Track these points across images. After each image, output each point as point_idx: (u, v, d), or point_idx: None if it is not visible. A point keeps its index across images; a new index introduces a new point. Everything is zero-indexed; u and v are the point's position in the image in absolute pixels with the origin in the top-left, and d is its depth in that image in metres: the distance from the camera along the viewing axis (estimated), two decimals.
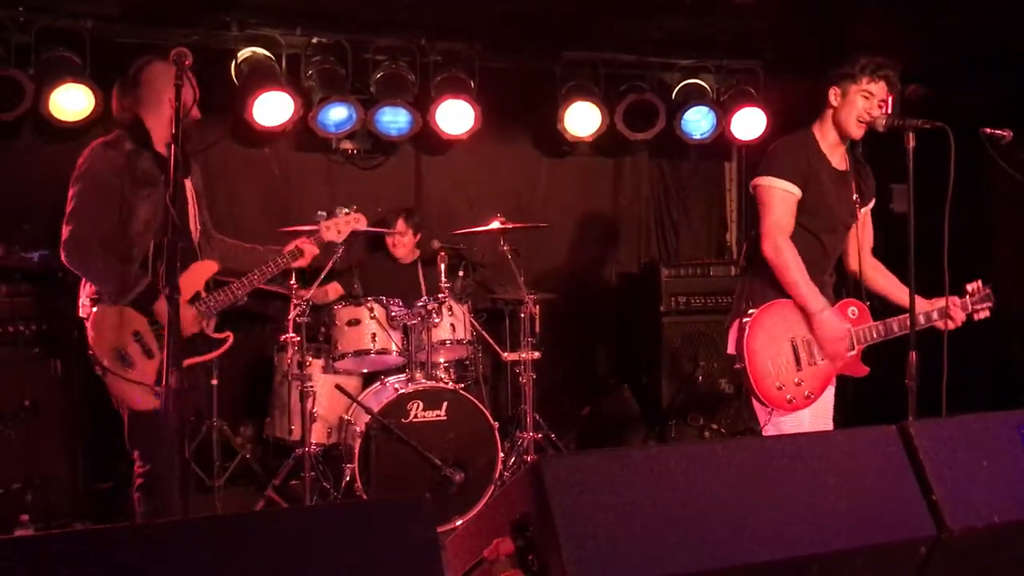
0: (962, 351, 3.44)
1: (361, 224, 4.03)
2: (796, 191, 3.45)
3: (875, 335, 3.50)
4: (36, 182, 5.21)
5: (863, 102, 3.46)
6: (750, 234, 3.63)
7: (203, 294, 3.53)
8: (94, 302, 3.44)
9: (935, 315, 3.53)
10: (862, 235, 3.70)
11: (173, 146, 2.70)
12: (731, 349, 3.55)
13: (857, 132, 3.50)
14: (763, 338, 3.41)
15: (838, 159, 3.60)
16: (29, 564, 1.71)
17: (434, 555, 1.88)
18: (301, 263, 3.83)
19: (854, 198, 3.60)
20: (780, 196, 3.44)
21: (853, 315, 3.52)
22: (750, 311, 3.44)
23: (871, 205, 3.74)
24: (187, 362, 3.26)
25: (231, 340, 3.64)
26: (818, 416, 3.48)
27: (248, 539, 1.86)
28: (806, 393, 3.42)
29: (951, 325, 3.53)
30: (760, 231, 3.46)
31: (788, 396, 3.39)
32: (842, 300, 3.58)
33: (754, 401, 3.48)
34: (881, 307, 3.65)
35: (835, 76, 3.52)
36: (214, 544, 1.83)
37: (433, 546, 1.89)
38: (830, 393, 3.56)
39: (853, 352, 3.49)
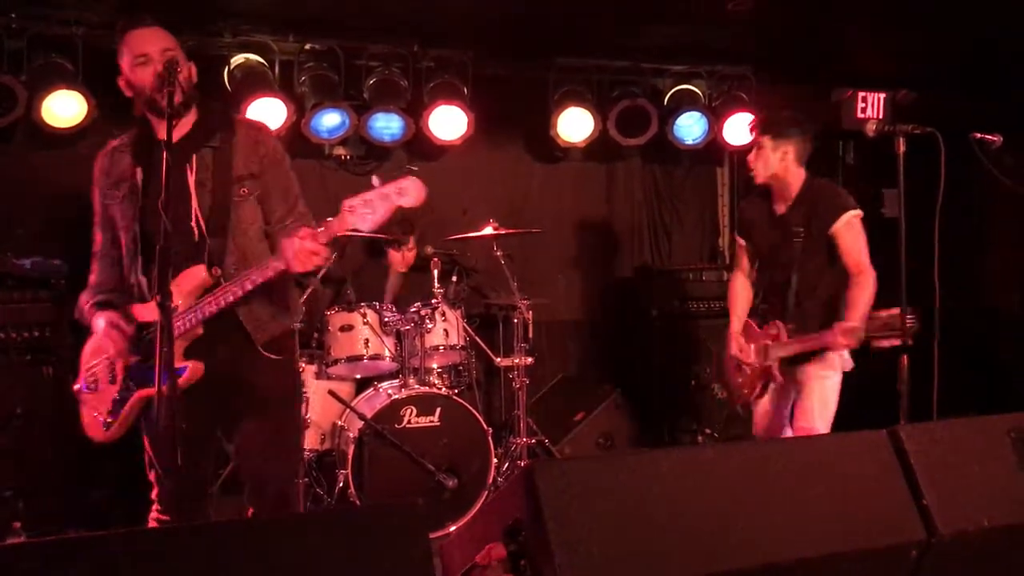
0: (953, 355, 3.46)
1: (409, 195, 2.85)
2: (741, 241, 4.31)
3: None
4: (28, 188, 5.20)
5: (754, 152, 4.02)
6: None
7: (179, 307, 2.83)
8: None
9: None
10: None
11: (165, 152, 2.55)
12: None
13: (756, 179, 4.03)
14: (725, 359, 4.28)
15: None
16: (22, 571, 1.71)
17: (427, 561, 1.88)
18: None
19: None
20: (735, 242, 4.40)
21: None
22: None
23: None
24: (141, 393, 2.88)
25: (195, 371, 2.85)
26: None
27: (242, 546, 1.86)
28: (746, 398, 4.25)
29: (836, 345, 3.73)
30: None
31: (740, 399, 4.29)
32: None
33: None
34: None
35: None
36: (208, 551, 1.83)
37: (426, 552, 1.89)
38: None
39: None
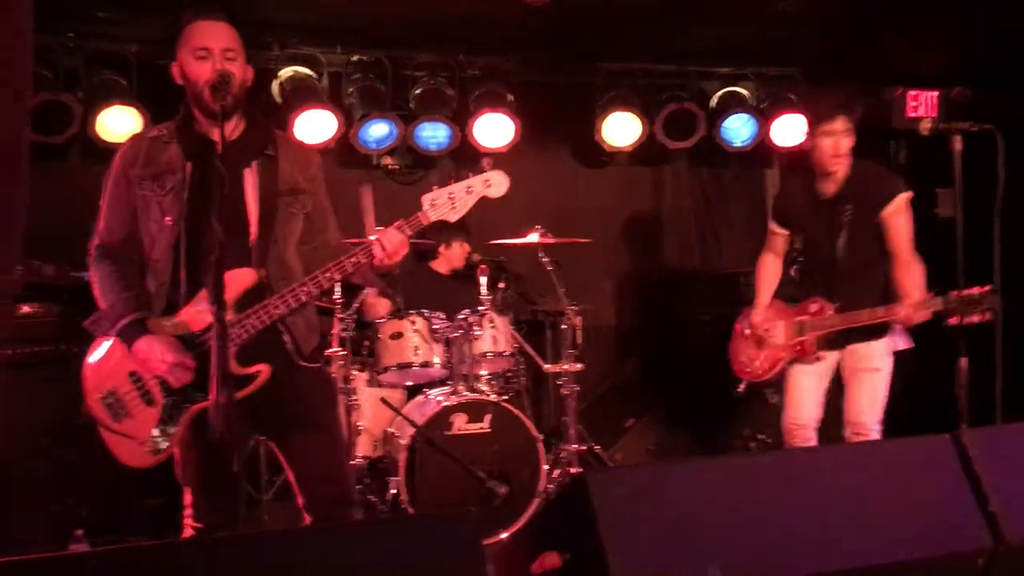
0: (1016, 357, 3.37)
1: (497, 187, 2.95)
2: (776, 230, 4.27)
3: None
4: (84, 203, 5.27)
5: (825, 140, 3.87)
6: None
7: (229, 315, 2.71)
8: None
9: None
10: None
11: (218, 164, 2.50)
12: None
13: (832, 166, 3.89)
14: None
15: None
16: None
17: (481, 569, 1.88)
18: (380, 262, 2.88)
19: None
20: (770, 230, 4.29)
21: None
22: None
23: None
24: (194, 408, 2.76)
25: (264, 375, 2.80)
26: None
27: (296, 554, 1.88)
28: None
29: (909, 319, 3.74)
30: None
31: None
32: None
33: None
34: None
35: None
36: (263, 559, 1.85)
37: (480, 560, 1.89)
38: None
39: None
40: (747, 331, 4.24)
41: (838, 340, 3.93)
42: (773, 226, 4.26)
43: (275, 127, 3.08)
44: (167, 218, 2.81)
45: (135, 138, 2.99)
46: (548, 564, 1.93)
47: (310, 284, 2.82)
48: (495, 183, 2.94)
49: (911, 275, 3.79)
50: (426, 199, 2.89)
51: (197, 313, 2.78)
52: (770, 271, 4.26)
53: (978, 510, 2.09)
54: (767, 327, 4.13)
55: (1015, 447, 2.20)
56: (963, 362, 3.21)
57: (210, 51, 2.79)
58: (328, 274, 2.82)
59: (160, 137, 2.90)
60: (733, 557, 1.94)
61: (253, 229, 2.85)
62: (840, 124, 3.85)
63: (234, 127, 2.89)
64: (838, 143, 3.84)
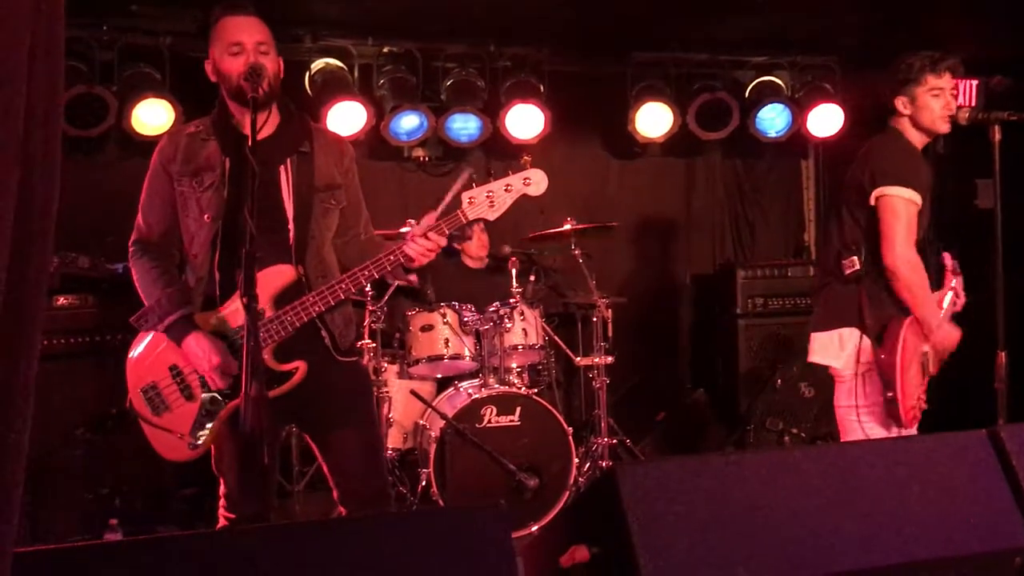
0: None
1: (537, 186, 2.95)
2: (919, 201, 3.30)
3: None
4: (120, 195, 5.30)
5: (936, 100, 3.35)
6: (847, 241, 3.41)
7: (267, 312, 2.76)
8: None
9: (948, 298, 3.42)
10: None
11: (250, 155, 2.50)
12: (822, 358, 3.43)
13: (945, 128, 3.38)
14: (907, 359, 3.24)
15: None
16: (118, 567, 1.76)
17: (510, 562, 1.87)
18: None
19: None
20: (909, 206, 3.27)
21: None
22: (880, 326, 3.30)
23: None
24: (234, 404, 2.72)
25: (302, 371, 2.82)
26: None
27: (327, 546, 1.88)
28: (922, 407, 3.32)
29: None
30: (891, 242, 3.25)
31: (914, 414, 3.29)
32: None
33: (863, 421, 3.35)
34: None
35: (896, 85, 3.40)
36: (295, 551, 1.85)
37: (509, 553, 1.88)
38: None
39: None
40: (924, 350, 3.33)
41: None
42: (915, 197, 3.30)
43: (310, 120, 3.08)
44: (206, 215, 2.83)
45: (173, 134, 2.99)
46: (577, 557, 1.92)
47: (348, 281, 2.82)
48: (534, 181, 2.91)
49: None
50: (464, 197, 2.86)
51: (236, 309, 2.78)
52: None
53: (1016, 507, 2.04)
54: (953, 346, 3.39)
55: None
56: (1001, 356, 3.15)
57: (243, 46, 2.81)
58: (367, 272, 2.83)
59: (198, 133, 2.91)
60: (764, 552, 1.92)
61: (291, 226, 2.86)
62: (947, 81, 3.36)
63: (269, 122, 2.90)
64: (950, 101, 3.37)
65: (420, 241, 2.82)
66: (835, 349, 3.38)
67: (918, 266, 3.25)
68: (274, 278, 2.79)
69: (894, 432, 3.27)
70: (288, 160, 2.89)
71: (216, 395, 2.82)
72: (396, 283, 4.97)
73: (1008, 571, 2.02)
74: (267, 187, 2.79)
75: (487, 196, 2.87)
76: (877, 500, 2.03)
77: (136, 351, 2.91)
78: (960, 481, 2.10)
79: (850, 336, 3.32)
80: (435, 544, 1.89)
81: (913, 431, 3.30)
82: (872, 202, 3.30)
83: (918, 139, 3.43)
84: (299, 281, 2.85)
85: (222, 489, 2.97)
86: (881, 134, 3.46)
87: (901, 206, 3.26)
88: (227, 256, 2.81)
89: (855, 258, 3.34)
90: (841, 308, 3.38)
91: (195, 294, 2.87)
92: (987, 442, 2.13)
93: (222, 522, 2.95)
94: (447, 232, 2.86)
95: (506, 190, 2.89)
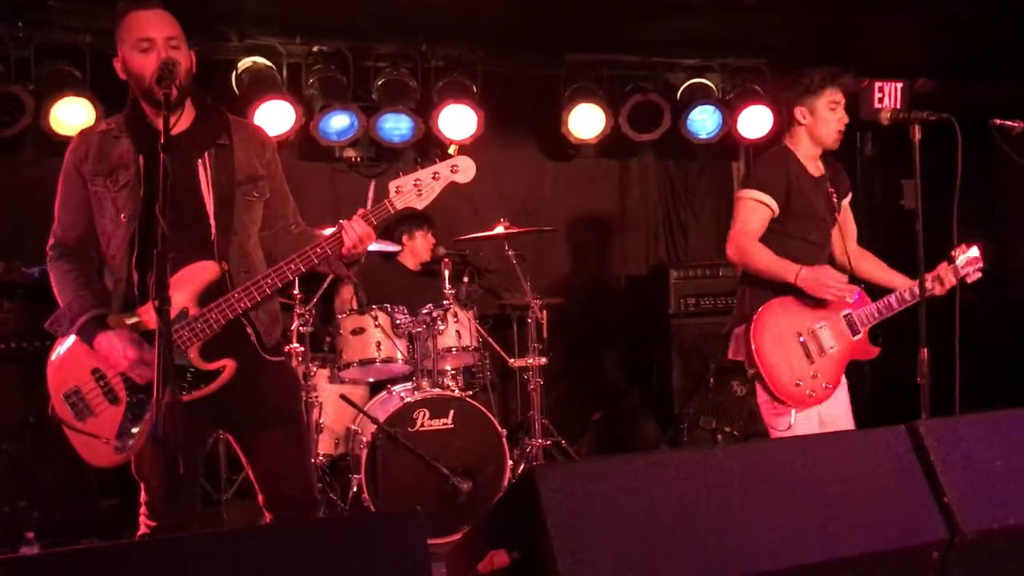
0: (976, 346, 3.37)
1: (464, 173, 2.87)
2: (771, 202, 3.50)
3: (877, 314, 3.54)
4: (37, 197, 5.15)
5: (832, 113, 3.54)
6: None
7: (192, 310, 2.71)
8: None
9: (928, 283, 3.50)
10: (845, 228, 3.79)
11: (162, 155, 2.41)
12: (734, 355, 3.59)
13: (836, 143, 3.57)
14: (770, 339, 3.43)
15: (813, 167, 3.64)
16: None
17: (425, 568, 1.83)
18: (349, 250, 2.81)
19: (832, 197, 3.67)
20: (752, 206, 3.51)
21: (851, 300, 3.53)
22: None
23: (848, 199, 3.79)
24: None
25: (230, 370, 2.75)
26: (835, 417, 3.52)
27: (242, 555, 1.83)
28: (824, 384, 3.45)
29: (938, 290, 3.57)
30: (729, 237, 3.53)
31: (807, 391, 3.42)
32: None
33: (764, 407, 3.51)
34: (871, 292, 3.68)
35: (796, 95, 3.57)
36: (210, 560, 1.80)
37: (424, 559, 1.84)
38: (843, 392, 3.58)
39: (859, 336, 3.53)
40: (811, 327, 3.46)
41: None
42: (764, 198, 3.49)
43: (228, 113, 2.99)
44: (122, 215, 2.75)
45: (85, 133, 2.90)
46: (496, 563, 1.88)
47: (274, 276, 2.75)
48: (462, 168, 2.86)
49: (877, 261, 3.77)
50: (391, 186, 2.82)
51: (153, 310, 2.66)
52: None
53: (933, 501, 2.06)
54: (828, 277, 3.44)
55: (971, 438, 2.17)
56: (924, 352, 3.20)
57: (153, 42, 2.71)
58: (293, 265, 2.76)
59: (110, 131, 2.83)
60: (686, 553, 1.90)
61: (212, 220, 2.78)
62: (841, 96, 3.55)
63: (184, 117, 2.82)
64: (844, 116, 3.55)
65: (349, 229, 2.75)
66: (738, 346, 3.56)
67: (748, 245, 3.46)
68: (198, 274, 2.73)
69: (791, 414, 3.41)
70: (206, 154, 2.82)
71: (142, 396, 2.73)
72: (332, 276, 4.89)
73: (927, 565, 2.04)
74: (186, 182, 2.73)
75: (414, 184, 2.82)
76: (800, 498, 2.04)
77: (56, 355, 2.81)
78: (881, 477, 2.11)
79: (744, 332, 3.49)
80: (351, 551, 1.85)
81: (814, 410, 3.44)
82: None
83: (806, 151, 3.60)
84: (223, 277, 2.77)
85: (143, 496, 2.88)
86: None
87: (742, 206, 3.53)
88: (145, 257, 2.72)
89: None
90: (739, 306, 3.63)
91: (114, 297, 2.79)
92: (906, 437, 2.15)
93: (143, 530, 2.88)
94: (374, 222, 2.81)
95: (433, 178, 2.82)
